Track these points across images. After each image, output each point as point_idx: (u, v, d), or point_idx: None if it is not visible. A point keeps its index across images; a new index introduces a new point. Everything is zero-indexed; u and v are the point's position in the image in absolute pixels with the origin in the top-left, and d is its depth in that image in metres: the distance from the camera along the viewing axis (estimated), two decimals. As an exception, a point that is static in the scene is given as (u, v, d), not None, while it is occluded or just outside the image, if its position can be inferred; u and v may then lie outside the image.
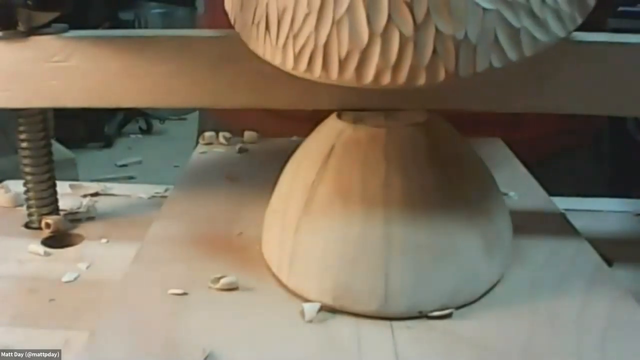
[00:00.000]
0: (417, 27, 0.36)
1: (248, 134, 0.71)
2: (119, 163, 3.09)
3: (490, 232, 0.44)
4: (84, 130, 3.18)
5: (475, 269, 0.42)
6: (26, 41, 0.51)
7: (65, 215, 0.58)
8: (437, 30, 0.36)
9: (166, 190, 0.65)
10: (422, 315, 0.40)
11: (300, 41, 0.38)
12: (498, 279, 0.43)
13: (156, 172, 2.64)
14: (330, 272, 0.41)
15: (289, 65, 0.40)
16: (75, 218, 0.59)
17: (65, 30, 0.52)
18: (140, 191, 0.65)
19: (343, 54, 0.37)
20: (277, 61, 0.41)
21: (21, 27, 0.51)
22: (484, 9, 0.36)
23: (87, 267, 0.51)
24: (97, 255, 0.53)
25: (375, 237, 0.40)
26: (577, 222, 0.53)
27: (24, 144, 0.55)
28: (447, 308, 0.40)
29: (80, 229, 0.57)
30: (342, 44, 0.37)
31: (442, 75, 0.37)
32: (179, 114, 3.41)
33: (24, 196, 0.57)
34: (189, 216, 0.53)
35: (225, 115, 0.79)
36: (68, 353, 0.41)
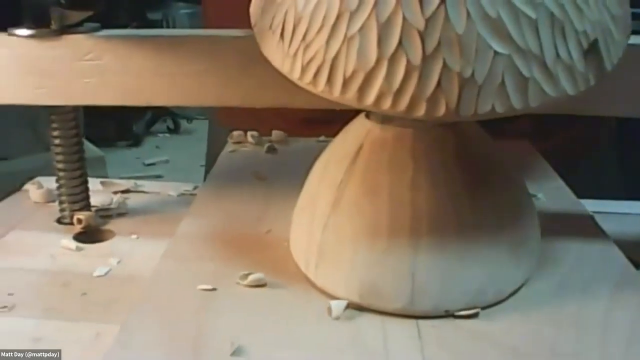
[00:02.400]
0: (425, 57, 0.36)
1: (276, 133, 0.71)
2: (147, 162, 3.11)
3: (518, 234, 0.44)
4: (112, 129, 3.22)
5: (502, 270, 0.42)
6: (59, 39, 0.52)
7: (96, 211, 0.59)
8: (444, 64, 0.36)
9: (195, 188, 0.66)
10: (449, 315, 0.40)
11: (310, 53, 0.39)
12: (525, 281, 0.43)
13: (183, 171, 2.67)
14: (358, 270, 0.41)
15: (295, 75, 0.40)
16: (106, 214, 0.60)
17: (97, 29, 0.53)
18: (170, 189, 0.66)
19: (349, 72, 0.37)
20: (285, 69, 0.41)
21: (54, 26, 0.52)
22: (496, 52, 0.36)
23: (118, 262, 0.52)
24: (128, 251, 0.54)
25: (402, 237, 0.41)
26: (604, 224, 0.53)
27: (57, 141, 0.56)
28: (473, 308, 0.40)
29: (111, 225, 0.58)
30: (349, 61, 0.37)
31: (442, 111, 0.36)
32: (206, 114, 3.43)
33: (56, 192, 0.58)
34: (217, 214, 0.54)
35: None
36: (99, 346, 0.42)
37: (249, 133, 0.71)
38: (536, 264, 0.45)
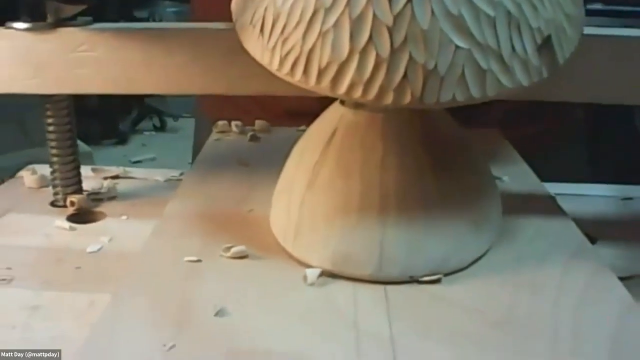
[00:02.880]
0: (393, 50, 0.39)
1: (259, 123, 0.75)
2: (133, 159, 3.13)
3: (479, 210, 0.48)
4: (99, 128, 3.23)
5: (464, 241, 0.45)
6: (54, 32, 0.55)
7: (88, 195, 0.62)
8: (410, 57, 0.39)
9: (181, 174, 0.69)
10: (414, 280, 0.44)
11: (288, 46, 0.42)
12: (486, 251, 0.47)
13: (170, 168, 2.68)
14: (331, 241, 0.45)
15: (274, 66, 0.43)
16: (97, 198, 0.63)
17: (90, 23, 0.57)
18: (157, 175, 0.69)
19: (323, 63, 0.41)
20: (265, 61, 0.44)
21: (49, 19, 0.55)
22: (457, 46, 0.39)
23: (109, 240, 0.55)
24: (118, 230, 0.57)
25: (371, 211, 0.45)
26: (566, 204, 0.57)
27: (51, 128, 0.59)
28: (436, 274, 0.44)
29: (102, 207, 0.62)
30: (324, 54, 0.41)
31: (407, 99, 0.40)
32: (192, 111, 3.45)
33: (50, 177, 0.62)
34: (203, 196, 0.57)
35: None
36: (93, 312, 0.45)
37: (232, 123, 0.75)
38: (497, 237, 0.49)
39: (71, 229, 0.57)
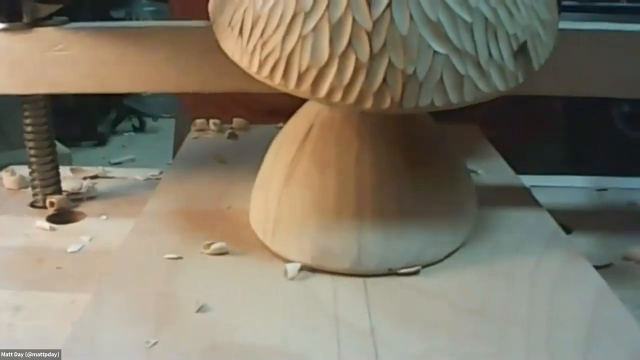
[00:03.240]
0: (372, 55, 0.40)
1: (237, 121, 0.75)
2: (113, 161, 3.12)
3: (454, 203, 0.48)
4: (77, 129, 3.21)
5: (439, 234, 0.46)
6: (30, 32, 0.55)
7: (67, 195, 0.62)
8: (389, 62, 0.40)
9: (161, 172, 0.69)
10: (392, 272, 0.44)
11: (267, 49, 0.42)
12: (462, 244, 0.48)
13: (150, 169, 2.67)
14: (309, 235, 0.45)
15: (253, 69, 0.43)
16: (77, 198, 0.63)
17: (65, 23, 0.57)
18: (136, 174, 0.70)
19: (303, 68, 0.41)
20: (244, 64, 0.44)
21: (25, 19, 0.55)
22: (435, 52, 0.40)
23: (90, 240, 0.55)
24: (99, 230, 0.57)
25: (348, 205, 0.45)
26: (542, 196, 0.58)
27: (29, 129, 0.59)
28: (414, 266, 0.44)
29: (81, 208, 0.62)
30: (303, 58, 0.41)
31: (387, 103, 0.40)
32: (172, 111, 3.44)
33: (29, 177, 0.62)
34: (182, 193, 0.57)
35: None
36: (74, 311, 0.45)
37: (211, 121, 0.75)
38: (472, 230, 0.49)
39: (51, 229, 0.57)
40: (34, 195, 0.62)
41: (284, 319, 0.40)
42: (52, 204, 0.60)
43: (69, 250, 0.53)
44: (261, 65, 0.42)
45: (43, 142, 0.60)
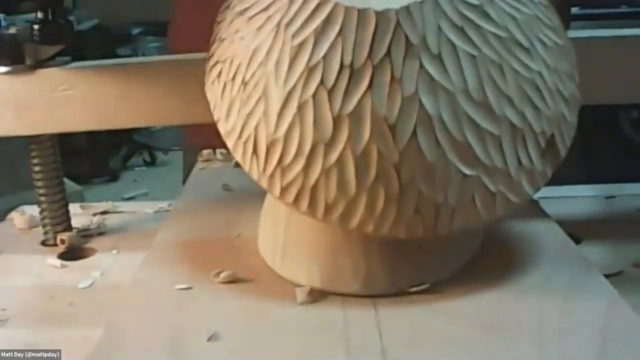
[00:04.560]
0: (402, 188, 0.39)
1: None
2: (126, 196, 3.13)
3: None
4: (89, 166, 3.23)
5: (449, 249, 0.46)
6: (33, 73, 0.56)
7: (78, 232, 0.63)
8: (420, 192, 0.39)
9: (169, 205, 0.70)
10: (401, 292, 0.44)
11: (288, 178, 0.40)
12: (471, 257, 0.48)
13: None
14: (317, 259, 0.45)
15: (275, 194, 0.42)
16: (87, 234, 0.64)
17: (68, 62, 0.58)
18: (146, 207, 0.70)
19: (330, 199, 0.40)
20: (263, 185, 0.42)
21: (28, 61, 0.56)
22: (464, 175, 0.39)
23: (101, 275, 0.56)
24: (109, 264, 0.58)
25: None
26: (550, 207, 0.57)
27: (37, 168, 0.60)
28: (423, 284, 0.44)
29: (92, 243, 0.62)
30: (329, 190, 0.40)
31: (420, 232, 0.40)
32: (182, 144, 3.46)
33: (39, 216, 0.62)
34: (191, 224, 0.58)
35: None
36: (87, 348, 0.45)
37: (217, 151, 0.75)
38: (481, 244, 0.49)
39: (62, 266, 0.58)
40: (45, 233, 0.62)
41: (295, 344, 0.40)
42: (62, 241, 0.60)
43: (81, 286, 0.54)
44: (283, 191, 0.41)
45: (52, 181, 0.61)
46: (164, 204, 0.70)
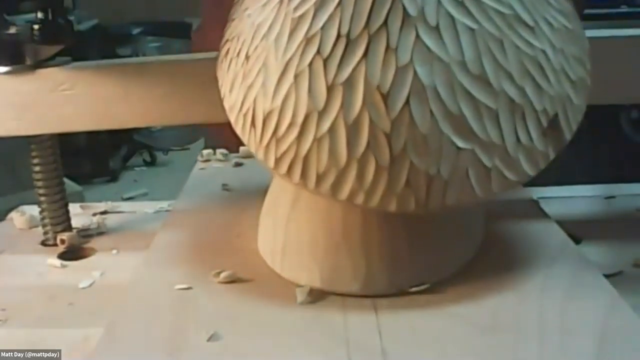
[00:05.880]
0: (393, 158, 0.38)
1: (243, 150, 0.76)
2: (125, 196, 3.13)
3: (462, 216, 0.48)
4: (89, 166, 3.23)
5: (448, 249, 0.46)
6: (33, 74, 0.56)
7: (77, 231, 0.63)
8: (411, 164, 0.38)
9: (169, 205, 0.70)
10: (401, 292, 0.44)
11: (282, 148, 0.40)
12: (471, 258, 0.48)
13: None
14: (317, 259, 0.45)
15: (270, 165, 0.42)
16: (87, 234, 0.64)
17: (68, 62, 0.58)
18: (146, 207, 0.70)
19: (321, 169, 0.39)
20: (259, 157, 0.42)
21: (28, 61, 0.56)
22: (459, 148, 0.38)
23: (101, 275, 0.56)
24: (109, 264, 0.58)
25: (355, 226, 0.45)
26: (550, 207, 0.58)
27: (37, 168, 0.60)
28: (423, 284, 0.44)
29: (92, 243, 0.62)
30: (321, 160, 0.39)
31: (412, 205, 0.39)
32: (182, 144, 3.46)
33: (39, 216, 0.62)
34: (190, 224, 0.58)
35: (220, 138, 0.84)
36: (87, 348, 0.45)
37: (217, 151, 0.75)
38: (481, 243, 0.49)
39: (62, 266, 0.58)
40: (45, 233, 0.62)
41: (295, 343, 0.40)
42: (62, 241, 0.60)
43: (81, 286, 0.54)
44: (277, 162, 0.41)
45: (52, 180, 0.61)
46: (164, 204, 0.70)
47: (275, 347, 0.40)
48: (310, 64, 0.39)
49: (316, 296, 0.45)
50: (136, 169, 3.64)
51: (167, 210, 0.68)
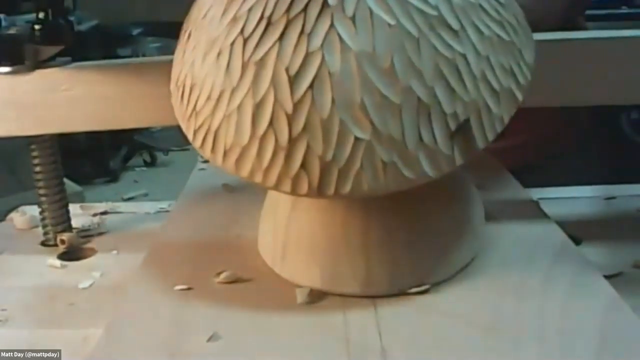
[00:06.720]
0: (291, 139, 0.39)
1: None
2: (126, 196, 3.13)
3: (462, 217, 0.48)
4: (89, 167, 3.23)
5: (449, 249, 0.46)
6: (33, 74, 0.56)
7: (78, 232, 0.63)
8: (308, 146, 0.38)
9: (170, 205, 0.70)
10: (402, 293, 0.44)
11: (199, 121, 0.42)
12: (471, 259, 0.48)
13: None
14: (318, 259, 0.45)
15: (189, 137, 0.43)
16: (87, 234, 0.64)
17: (69, 62, 0.58)
18: (147, 207, 0.70)
19: (228, 145, 0.40)
20: (184, 128, 0.44)
21: (28, 62, 0.56)
22: (356, 138, 0.38)
23: (101, 275, 0.56)
24: (109, 265, 0.58)
25: (355, 227, 0.45)
26: (550, 208, 0.57)
27: (38, 169, 0.60)
28: (423, 285, 0.44)
29: (92, 244, 0.62)
30: (228, 135, 0.40)
31: (304, 189, 0.39)
32: (182, 144, 3.46)
33: (40, 217, 0.62)
34: (191, 224, 0.58)
35: None
36: (87, 348, 0.45)
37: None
38: (481, 244, 0.49)
39: (62, 266, 0.58)
40: (45, 234, 0.62)
41: (295, 344, 0.40)
42: (62, 241, 0.60)
43: (81, 286, 0.54)
44: (195, 135, 0.42)
45: (52, 181, 0.61)
46: (164, 205, 0.70)
47: (275, 347, 0.40)
48: (233, 43, 0.40)
49: (316, 296, 0.45)
50: (136, 169, 3.64)
51: (167, 211, 0.68)
